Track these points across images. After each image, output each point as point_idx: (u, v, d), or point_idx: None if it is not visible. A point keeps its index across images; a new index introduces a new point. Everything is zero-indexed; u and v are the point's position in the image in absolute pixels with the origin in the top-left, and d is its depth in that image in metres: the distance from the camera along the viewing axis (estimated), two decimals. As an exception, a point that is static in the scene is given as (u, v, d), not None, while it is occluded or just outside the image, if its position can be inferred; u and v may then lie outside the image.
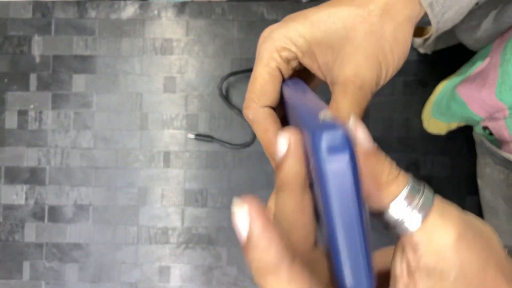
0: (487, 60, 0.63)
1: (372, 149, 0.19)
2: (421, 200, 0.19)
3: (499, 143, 0.63)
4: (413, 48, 0.95)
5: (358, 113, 0.26)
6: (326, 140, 0.16)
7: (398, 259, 0.20)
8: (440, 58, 0.94)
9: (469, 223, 0.19)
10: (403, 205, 0.19)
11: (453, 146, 0.94)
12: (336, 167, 0.16)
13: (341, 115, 0.25)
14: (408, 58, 0.96)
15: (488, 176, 0.69)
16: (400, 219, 0.19)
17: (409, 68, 0.96)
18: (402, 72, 0.96)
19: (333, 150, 0.16)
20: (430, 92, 0.90)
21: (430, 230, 0.19)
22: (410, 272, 0.20)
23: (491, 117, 0.62)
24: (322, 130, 0.16)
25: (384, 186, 0.19)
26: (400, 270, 0.20)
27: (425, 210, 0.19)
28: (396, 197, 0.19)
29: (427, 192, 0.19)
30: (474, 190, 0.92)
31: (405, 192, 0.19)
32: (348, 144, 0.16)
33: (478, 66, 0.65)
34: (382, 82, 0.28)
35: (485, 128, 0.65)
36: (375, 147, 0.19)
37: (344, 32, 0.27)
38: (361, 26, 0.27)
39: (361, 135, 0.18)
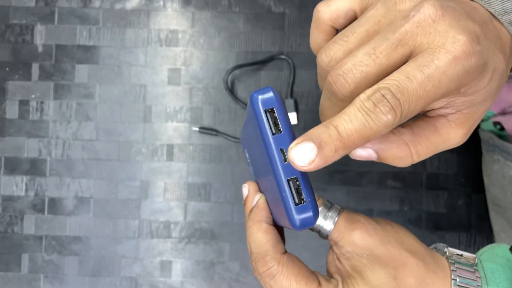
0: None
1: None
2: (329, 213, 0.30)
3: (510, 138, 0.62)
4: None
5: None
6: (257, 93, 0.25)
7: (330, 252, 0.31)
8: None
9: (368, 221, 0.29)
10: (320, 219, 0.30)
11: (460, 144, 0.93)
12: (264, 97, 0.25)
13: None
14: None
15: (496, 173, 0.68)
16: (318, 227, 0.30)
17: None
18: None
19: (261, 93, 0.25)
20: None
21: (341, 230, 0.29)
22: (338, 259, 0.30)
23: (504, 112, 0.61)
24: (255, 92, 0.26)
25: None
26: (331, 258, 0.31)
27: (334, 219, 0.30)
28: None
29: (336, 207, 0.30)
30: (480, 188, 0.91)
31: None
32: (272, 90, 0.25)
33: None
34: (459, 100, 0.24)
35: (496, 123, 0.64)
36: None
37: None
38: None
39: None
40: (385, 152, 0.24)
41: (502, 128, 0.65)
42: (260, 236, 0.27)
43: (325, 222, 0.30)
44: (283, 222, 0.26)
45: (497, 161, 0.67)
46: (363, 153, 0.24)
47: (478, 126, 0.72)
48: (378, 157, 0.24)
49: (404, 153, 0.24)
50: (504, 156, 0.64)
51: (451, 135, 0.24)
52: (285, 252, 0.27)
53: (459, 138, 0.24)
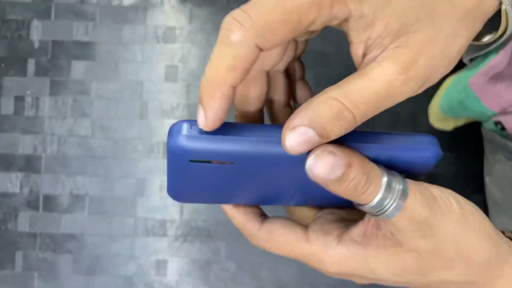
0: (501, 53, 0.61)
1: (334, 179, 0.20)
2: (396, 194, 0.21)
3: (511, 138, 0.61)
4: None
5: (371, 115, 0.20)
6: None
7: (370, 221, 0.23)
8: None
9: (439, 199, 0.22)
10: (381, 200, 0.21)
11: (459, 143, 0.92)
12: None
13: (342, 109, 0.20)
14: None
15: (498, 173, 0.67)
16: (379, 211, 0.21)
17: (416, 63, 0.94)
18: (409, 67, 0.94)
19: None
20: (437, 87, 0.88)
21: (409, 217, 0.21)
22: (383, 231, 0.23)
23: (505, 111, 0.60)
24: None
25: (357, 196, 0.21)
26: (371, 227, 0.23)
27: (403, 200, 0.21)
28: (371, 200, 0.21)
29: (402, 183, 0.22)
30: (480, 188, 0.90)
31: (380, 194, 0.21)
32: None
33: (491, 59, 0.64)
34: (415, 93, 0.21)
35: (497, 123, 0.63)
36: (340, 174, 0.20)
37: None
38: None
39: (325, 169, 0.20)
40: (316, 115, 0.20)
41: (503, 128, 0.64)
42: (235, 222, 0.26)
43: (390, 205, 0.21)
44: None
45: (499, 161, 0.66)
46: (300, 138, 0.20)
47: (481, 126, 0.71)
48: (315, 131, 0.20)
49: (337, 108, 0.20)
50: (506, 155, 0.64)
51: (383, 73, 0.20)
52: (261, 222, 0.25)
53: (393, 76, 0.20)
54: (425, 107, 0.92)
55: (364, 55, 0.21)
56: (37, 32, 0.97)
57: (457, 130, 0.90)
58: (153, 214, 0.95)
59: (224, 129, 0.20)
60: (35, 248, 0.95)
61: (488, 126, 0.67)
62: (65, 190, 0.95)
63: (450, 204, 0.22)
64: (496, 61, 0.62)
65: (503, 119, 0.62)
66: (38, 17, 0.97)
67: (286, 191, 0.24)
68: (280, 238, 0.24)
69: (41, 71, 0.97)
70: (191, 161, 0.20)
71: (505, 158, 0.62)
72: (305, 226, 0.25)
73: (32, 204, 0.95)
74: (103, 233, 0.95)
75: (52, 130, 0.96)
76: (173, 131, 0.20)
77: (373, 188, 0.21)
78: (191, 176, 0.22)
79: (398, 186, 0.21)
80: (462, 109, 0.72)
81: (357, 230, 0.23)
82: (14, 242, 0.95)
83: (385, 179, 0.21)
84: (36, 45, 0.97)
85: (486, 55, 0.69)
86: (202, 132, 0.20)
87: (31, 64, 0.97)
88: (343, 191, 0.21)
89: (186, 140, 0.20)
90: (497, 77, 0.60)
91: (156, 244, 0.94)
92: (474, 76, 0.67)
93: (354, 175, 0.20)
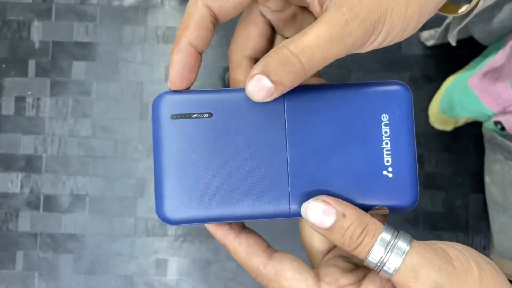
0: (500, 53, 0.61)
1: (327, 229, 0.21)
2: (396, 243, 0.21)
3: (511, 138, 0.61)
4: (419, 43, 0.94)
5: (320, 60, 0.20)
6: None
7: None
8: (446, 53, 0.93)
9: (455, 260, 0.21)
10: (380, 252, 0.21)
11: (458, 143, 0.92)
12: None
13: (300, 49, 0.20)
14: (414, 53, 0.94)
15: (497, 172, 0.67)
16: (379, 264, 0.21)
17: (415, 63, 0.94)
18: (408, 67, 0.94)
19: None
20: (436, 88, 0.89)
21: (414, 270, 0.20)
22: None
23: (504, 111, 0.60)
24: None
25: (353, 248, 0.21)
26: None
27: (400, 257, 0.20)
28: (367, 253, 0.21)
29: (404, 235, 0.21)
30: (478, 188, 0.90)
31: (378, 242, 0.21)
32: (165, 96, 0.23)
33: (490, 59, 0.64)
34: (375, 42, 0.21)
35: (497, 123, 0.64)
36: (332, 222, 0.21)
37: None
38: None
39: (316, 215, 0.21)
40: (266, 62, 0.21)
41: (503, 128, 0.64)
42: (238, 257, 0.24)
43: (389, 256, 0.21)
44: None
45: (498, 160, 0.66)
46: (257, 85, 0.21)
47: (482, 125, 0.71)
48: (267, 78, 0.21)
49: (282, 54, 0.20)
50: (505, 155, 0.64)
51: (328, 17, 0.20)
52: (268, 257, 0.24)
53: (336, 18, 0.20)
54: (424, 108, 0.92)
55: (321, 9, 0.22)
56: (37, 32, 0.97)
57: (457, 131, 0.90)
58: (153, 214, 0.95)
59: (200, 90, 0.24)
60: (35, 248, 0.95)
61: (488, 125, 0.67)
62: (66, 190, 0.96)
63: (468, 266, 0.21)
64: (495, 60, 0.62)
65: (502, 119, 0.62)
66: (39, 18, 0.98)
67: (279, 169, 0.23)
68: (288, 282, 0.23)
69: (41, 72, 0.97)
70: (172, 117, 0.23)
71: (504, 158, 0.62)
72: (316, 272, 0.23)
73: (32, 204, 0.96)
74: (104, 233, 0.95)
75: (53, 131, 0.96)
76: (156, 96, 0.23)
77: (368, 240, 0.21)
78: (175, 146, 0.23)
79: (398, 242, 0.21)
80: (462, 109, 0.72)
81: None
82: (15, 242, 0.95)
83: (383, 233, 0.21)
84: (37, 45, 0.97)
85: (485, 56, 0.69)
86: (180, 91, 0.23)
87: (31, 65, 0.97)
88: (339, 240, 0.21)
89: (165, 95, 0.23)
90: (496, 77, 0.60)
91: (156, 243, 0.94)
92: (473, 76, 0.67)
93: (348, 224, 0.21)
